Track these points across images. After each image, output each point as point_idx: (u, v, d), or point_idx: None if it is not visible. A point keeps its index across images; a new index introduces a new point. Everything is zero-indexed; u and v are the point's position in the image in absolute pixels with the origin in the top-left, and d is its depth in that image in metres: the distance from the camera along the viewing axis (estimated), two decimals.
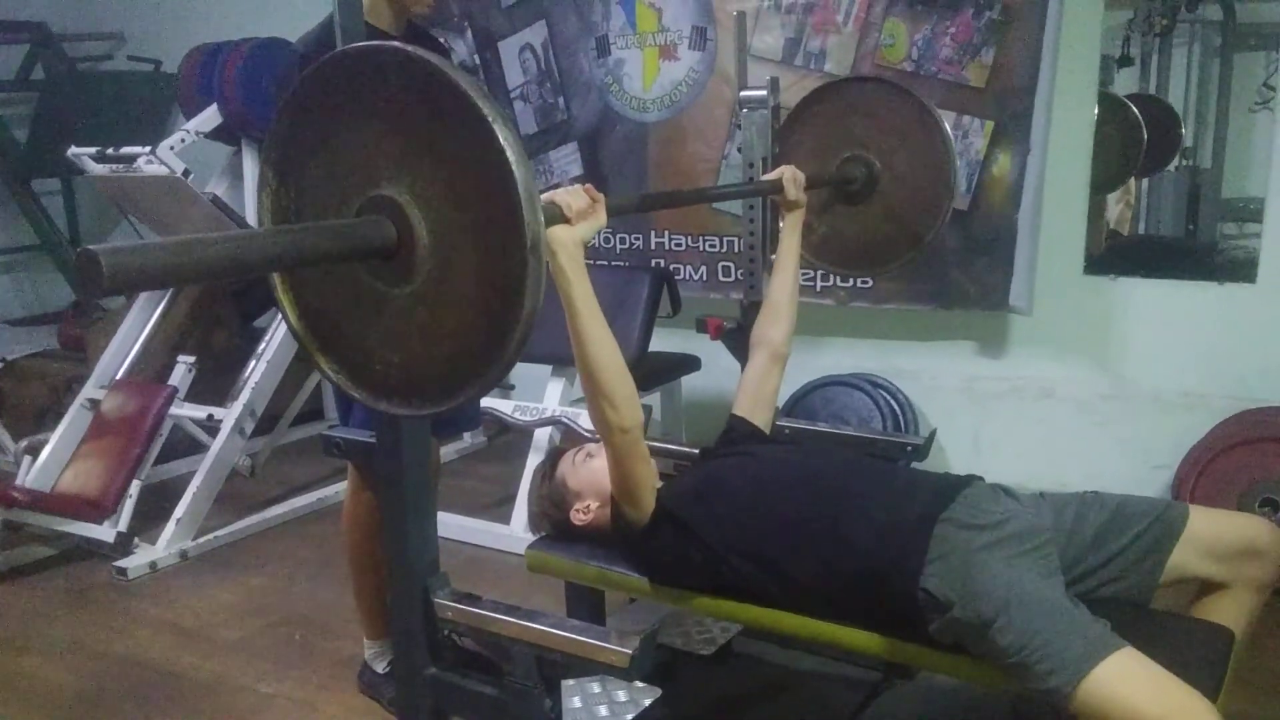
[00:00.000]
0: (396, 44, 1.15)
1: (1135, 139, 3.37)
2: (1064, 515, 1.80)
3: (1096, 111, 3.30)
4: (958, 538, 1.67)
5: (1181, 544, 1.74)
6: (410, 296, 1.19)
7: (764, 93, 2.47)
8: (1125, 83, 3.36)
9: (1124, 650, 1.47)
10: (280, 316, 3.96)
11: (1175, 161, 3.41)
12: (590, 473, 2.01)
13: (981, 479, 1.86)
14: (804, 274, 3.46)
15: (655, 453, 2.14)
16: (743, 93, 2.51)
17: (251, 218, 3.96)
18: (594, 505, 2.01)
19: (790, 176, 2.20)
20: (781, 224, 2.30)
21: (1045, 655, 1.49)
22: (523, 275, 1.09)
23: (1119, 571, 1.76)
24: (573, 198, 1.62)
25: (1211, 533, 1.75)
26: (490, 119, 1.07)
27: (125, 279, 0.90)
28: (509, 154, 1.07)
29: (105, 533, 3.44)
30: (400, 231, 1.15)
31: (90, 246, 0.87)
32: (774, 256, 2.34)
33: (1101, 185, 3.39)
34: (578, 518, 2.03)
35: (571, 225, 1.61)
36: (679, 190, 2.06)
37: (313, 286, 1.31)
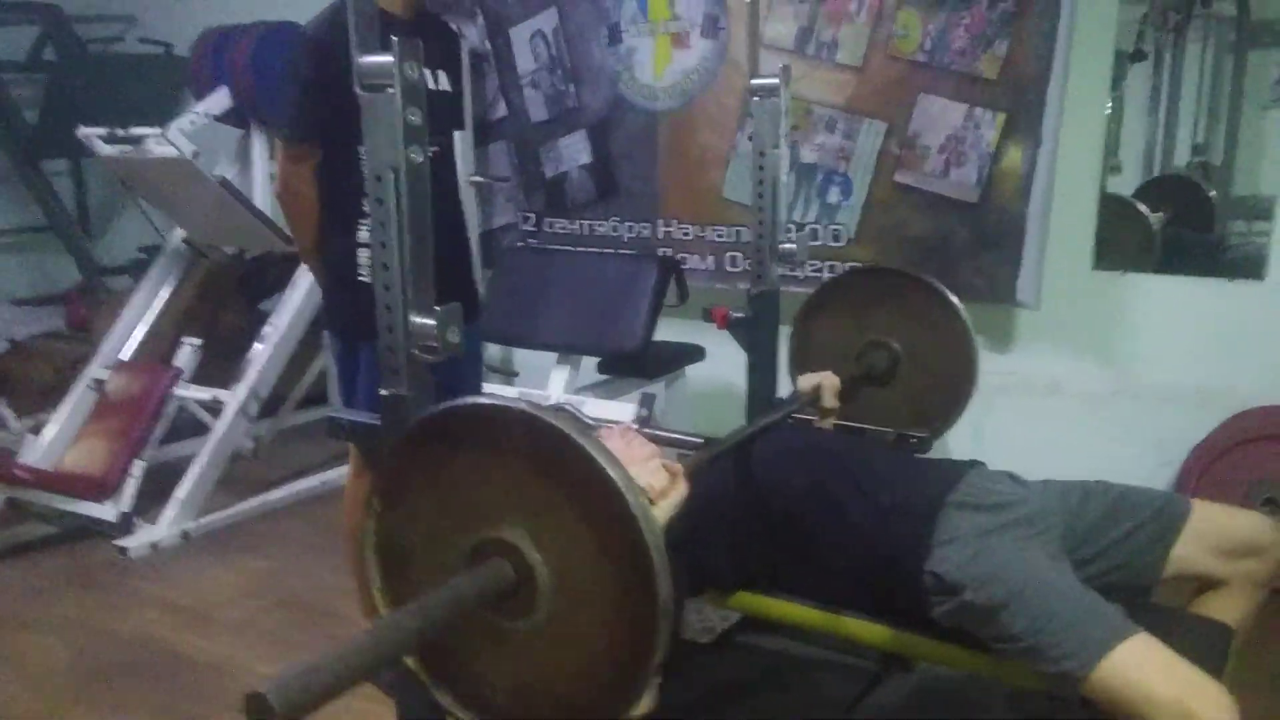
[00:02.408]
0: (523, 406, 1.13)
1: (1146, 239, 3.33)
2: (1068, 500, 1.79)
3: (1109, 108, 3.29)
4: (967, 521, 1.66)
5: (1184, 537, 1.73)
6: (528, 632, 1.18)
7: (775, 81, 2.46)
8: (1138, 79, 3.34)
9: (1139, 635, 1.47)
10: (285, 299, 3.94)
11: (1188, 159, 3.38)
12: None
13: (984, 464, 1.86)
14: (812, 265, 3.46)
15: (660, 441, 2.13)
16: (754, 81, 2.50)
17: (258, 201, 3.95)
18: None
19: (828, 385, 2.18)
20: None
21: (1060, 639, 1.48)
22: (654, 635, 1.08)
23: (1119, 560, 1.75)
24: (653, 478, 1.54)
25: (1214, 527, 1.74)
26: (624, 489, 1.05)
27: (296, 710, 0.93)
28: (641, 524, 1.04)
29: (108, 512, 3.45)
30: (519, 573, 1.15)
31: (258, 690, 0.91)
32: None
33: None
34: None
35: (656, 504, 1.54)
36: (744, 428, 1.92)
37: None
